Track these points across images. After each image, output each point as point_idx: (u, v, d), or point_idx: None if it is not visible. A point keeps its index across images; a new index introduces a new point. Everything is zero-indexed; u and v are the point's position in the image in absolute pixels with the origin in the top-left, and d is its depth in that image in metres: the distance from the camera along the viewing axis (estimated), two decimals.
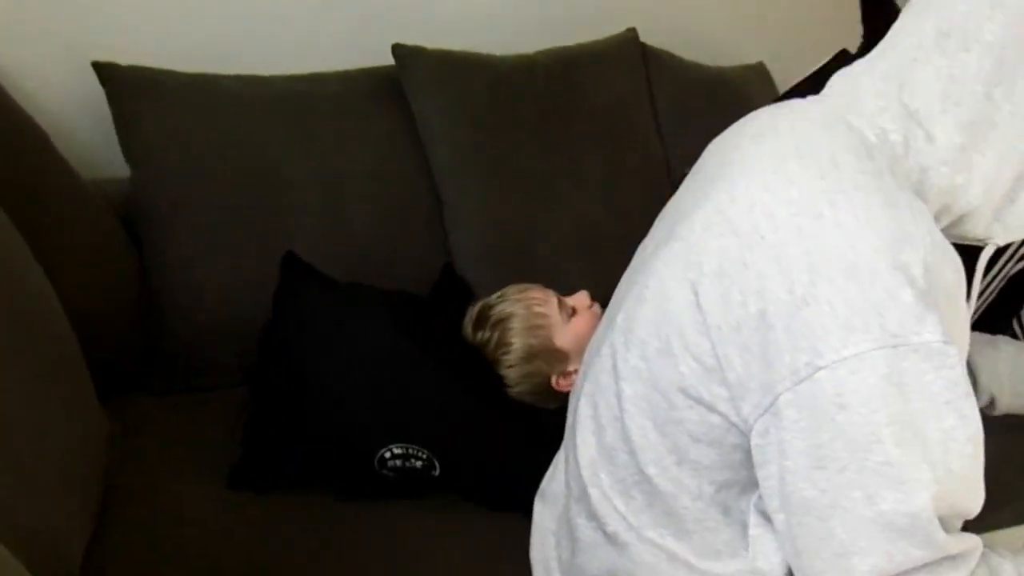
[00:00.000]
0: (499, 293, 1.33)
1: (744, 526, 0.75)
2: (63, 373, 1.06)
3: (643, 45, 1.91)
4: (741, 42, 2.15)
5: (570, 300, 1.34)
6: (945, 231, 0.71)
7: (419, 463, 1.13)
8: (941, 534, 0.63)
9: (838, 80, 0.78)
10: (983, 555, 0.68)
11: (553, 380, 1.28)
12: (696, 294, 0.69)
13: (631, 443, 0.76)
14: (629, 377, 0.76)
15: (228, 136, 1.44)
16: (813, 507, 0.65)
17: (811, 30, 2.00)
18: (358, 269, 1.41)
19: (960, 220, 0.74)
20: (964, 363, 0.64)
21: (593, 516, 0.82)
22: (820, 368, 0.62)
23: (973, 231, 0.75)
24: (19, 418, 0.90)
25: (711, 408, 0.70)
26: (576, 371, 1.22)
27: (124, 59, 1.43)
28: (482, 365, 1.27)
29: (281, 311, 1.26)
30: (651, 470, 0.75)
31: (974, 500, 0.67)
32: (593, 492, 0.81)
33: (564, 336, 1.29)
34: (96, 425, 1.10)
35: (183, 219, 1.38)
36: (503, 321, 1.28)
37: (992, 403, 1.02)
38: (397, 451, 1.12)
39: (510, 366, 1.26)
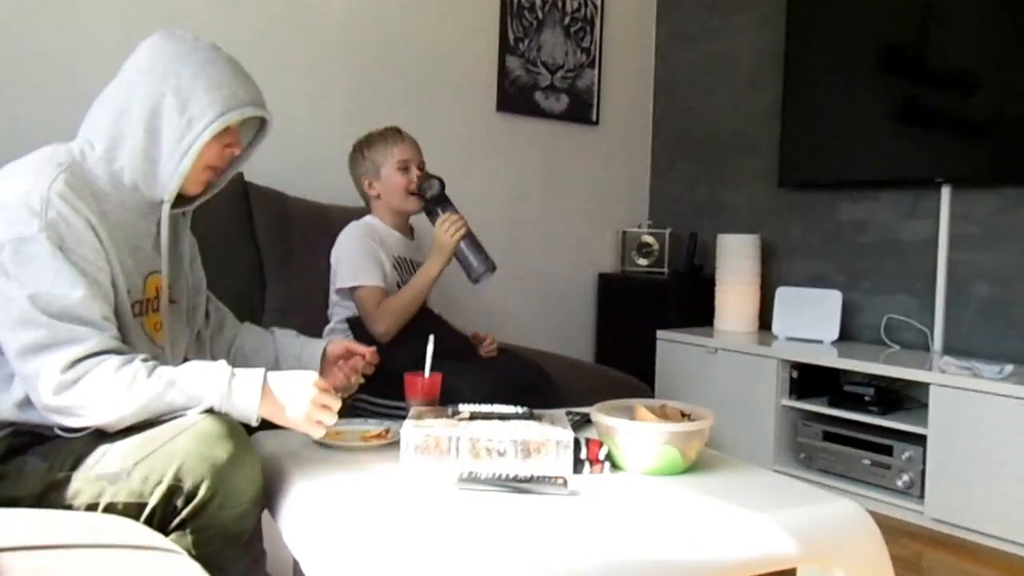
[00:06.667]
0: None
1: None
2: None
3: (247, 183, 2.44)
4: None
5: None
6: (144, 193, 1.32)
7: None
8: (47, 320, 1.17)
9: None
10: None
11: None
12: None
13: None
14: None
15: None
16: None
17: None
18: None
19: (137, 187, 1.31)
20: (59, 254, 1.18)
21: None
22: None
23: (150, 193, 1.33)
24: None
25: None
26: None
27: None
28: None
29: None
30: None
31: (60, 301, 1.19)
32: None
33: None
34: None
35: None
36: None
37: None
38: None
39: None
